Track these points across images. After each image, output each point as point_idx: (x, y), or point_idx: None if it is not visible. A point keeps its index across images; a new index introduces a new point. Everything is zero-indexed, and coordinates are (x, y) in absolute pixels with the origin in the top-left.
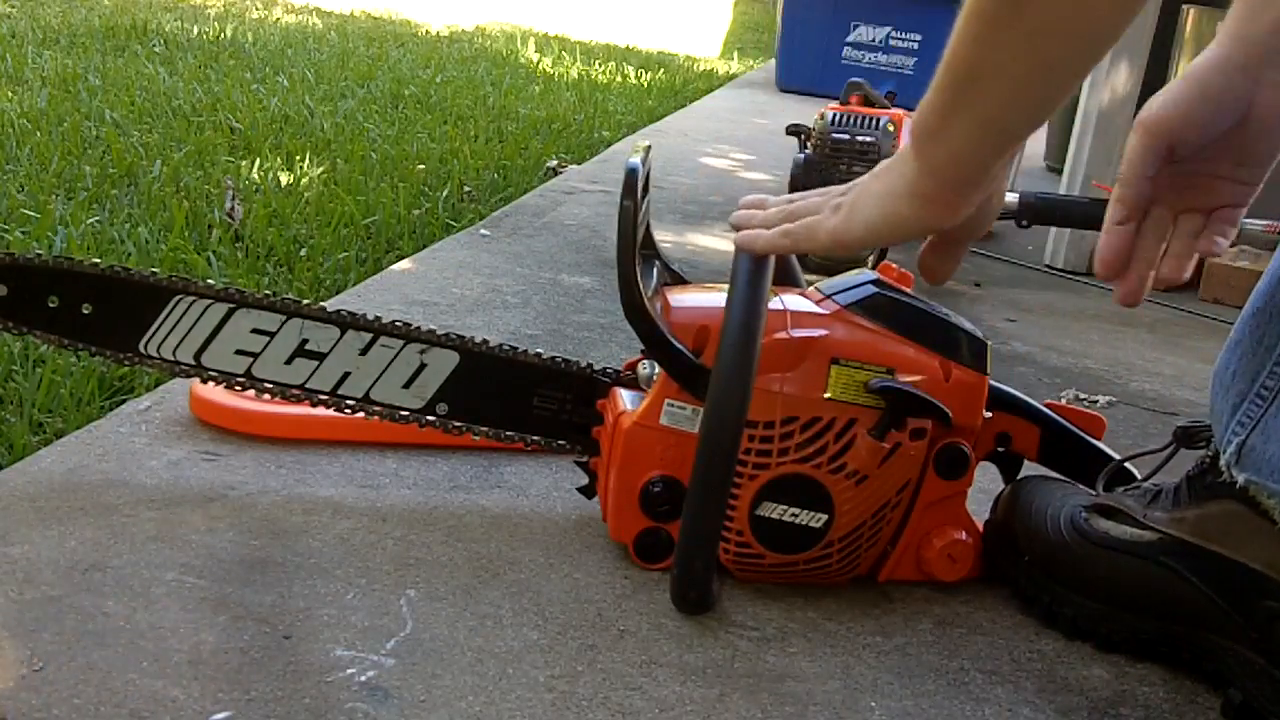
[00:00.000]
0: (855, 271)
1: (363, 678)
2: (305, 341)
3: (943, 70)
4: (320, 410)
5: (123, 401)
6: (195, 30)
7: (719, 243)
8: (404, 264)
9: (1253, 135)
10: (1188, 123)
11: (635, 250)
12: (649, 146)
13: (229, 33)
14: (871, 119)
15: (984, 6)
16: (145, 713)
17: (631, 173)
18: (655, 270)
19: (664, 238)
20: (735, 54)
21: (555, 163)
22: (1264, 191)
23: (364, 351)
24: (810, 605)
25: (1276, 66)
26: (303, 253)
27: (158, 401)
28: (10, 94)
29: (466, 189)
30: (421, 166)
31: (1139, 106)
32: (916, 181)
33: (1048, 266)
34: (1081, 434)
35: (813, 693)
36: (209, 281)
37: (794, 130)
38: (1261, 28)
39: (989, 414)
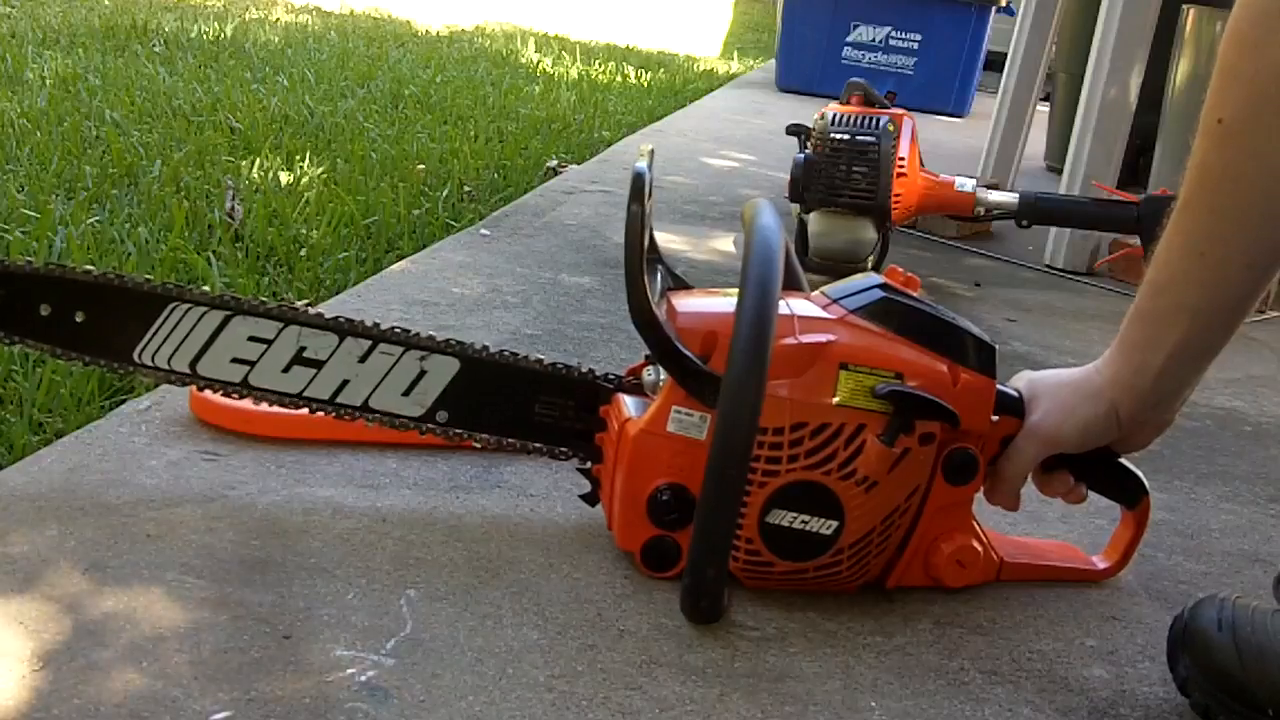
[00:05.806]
0: (862, 276)
1: (363, 678)
2: (303, 349)
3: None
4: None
5: (123, 401)
6: (195, 30)
7: (719, 243)
8: (404, 264)
9: None
10: (1087, 446)
11: (643, 256)
12: (653, 150)
13: (229, 33)
14: (872, 119)
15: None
16: (145, 713)
17: (639, 177)
18: (659, 274)
19: (663, 238)
20: (735, 54)
21: (555, 163)
22: None
23: (363, 359)
24: (810, 605)
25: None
26: (303, 253)
27: (158, 401)
28: (10, 94)
29: (466, 189)
30: (421, 166)
31: (1139, 106)
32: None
33: (1048, 266)
34: None
35: (813, 693)
36: (205, 288)
37: (794, 130)
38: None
39: (996, 418)
